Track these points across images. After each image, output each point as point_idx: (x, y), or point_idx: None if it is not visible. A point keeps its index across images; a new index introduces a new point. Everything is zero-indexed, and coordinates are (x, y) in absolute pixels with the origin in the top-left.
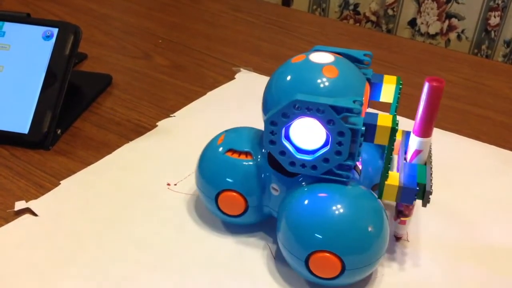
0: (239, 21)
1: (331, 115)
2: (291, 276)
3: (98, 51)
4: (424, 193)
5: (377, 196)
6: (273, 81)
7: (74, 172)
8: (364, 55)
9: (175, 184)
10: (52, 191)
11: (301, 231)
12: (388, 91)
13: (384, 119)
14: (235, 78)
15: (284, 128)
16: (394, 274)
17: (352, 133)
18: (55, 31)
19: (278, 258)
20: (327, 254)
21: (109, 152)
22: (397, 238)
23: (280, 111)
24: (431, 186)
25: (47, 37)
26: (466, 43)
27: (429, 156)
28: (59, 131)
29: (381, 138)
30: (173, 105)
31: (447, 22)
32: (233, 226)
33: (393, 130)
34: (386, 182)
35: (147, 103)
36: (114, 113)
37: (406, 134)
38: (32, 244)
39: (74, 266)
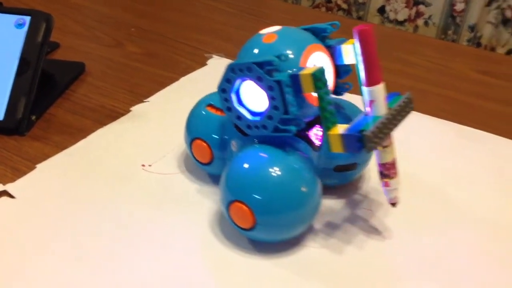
0: (211, 9)
1: (257, 71)
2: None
3: (71, 40)
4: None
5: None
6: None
7: (49, 156)
8: (331, 25)
9: (150, 165)
10: (28, 174)
11: (227, 182)
12: (347, 53)
13: (309, 70)
14: (207, 64)
15: (235, 95)
16: (359, 243)
17: (279, 85)
18: (27, 19)
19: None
20: (240, 204)
21: (84, 137)
22: (392, 204)
23: (223, 78)
24: (376, 133)
25: (20, 25)
26: (433, 28)
27: (396, 108)
28: (33, 117)
29: (307, 87)
30: (146, 91)
31: (414, 8)
32: (211, 202)
33: (314, 77)
34: (328, 132)
35: (121, 90)
36: (88, 100)
37: (389, 95)
38: (10, 224)
39: (53, 244)
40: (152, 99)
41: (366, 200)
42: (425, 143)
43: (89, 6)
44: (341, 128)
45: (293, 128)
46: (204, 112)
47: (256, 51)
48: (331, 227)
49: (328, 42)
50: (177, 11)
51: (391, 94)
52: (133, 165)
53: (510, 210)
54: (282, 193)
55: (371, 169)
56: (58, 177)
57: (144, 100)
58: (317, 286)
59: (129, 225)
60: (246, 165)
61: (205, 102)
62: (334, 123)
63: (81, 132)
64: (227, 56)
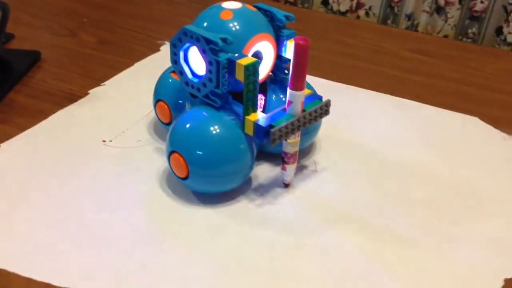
0: (161, 0)
1: (204, 45)
2: None
3: (25, 31)
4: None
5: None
6: (196, 18)
7: (12, 137)
8: (284, 16)
9: (111, 141)
10: None
11: (169, 135)
12: (290, 50)
13: (246, 60)
14: (160, 50)
15: (183, 52)
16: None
17: (217, 64)
18: None
19: None
20: (177, 155)
21: (45, 118)
22: (285, 185)
23: (177, 36)
24: (281, 132)
25: None
26: (374, 18)
27: (310, 112)
28: None
29: (239, 74)
30: (102, 75)
31: (355, 0)
32: (165, 171)
33: (246, 69)
34: (246, 117)
35: (78, 75)
36: (46, 85)
37: (310, 96)
38: None
39: (22, 213)
40: (109, 82)
41: (310, 166)
42: (364, 114)
43: None
44: (258, 115)
45: (218, 102)
46: (168, 78)
47: (210, 24)
48: (266, 189)
49: (280, 32)
50: (128, 3)
51: (313, 96)
52: (94, 141)
53: (437, 164)
54: (213, 147)
55: (322, 140)
56: (22, 155)
57: (101, 84)
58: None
59: (92, 192)
60: (185, 121)
61: (170, 69)
62: (253, 111)
63: (41, 114)
64: None
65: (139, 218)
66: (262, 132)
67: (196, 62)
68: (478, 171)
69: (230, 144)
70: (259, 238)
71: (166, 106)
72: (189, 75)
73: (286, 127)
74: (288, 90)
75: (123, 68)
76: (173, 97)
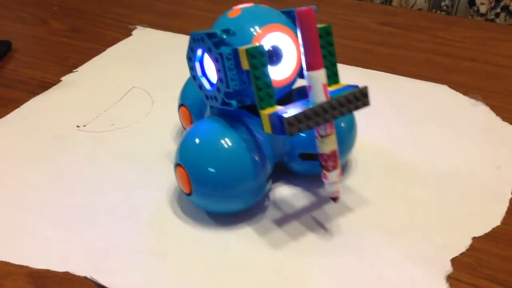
0: None
1: (207, 42)
2: None
3: None
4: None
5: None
6: None
7: None
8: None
9: (84, 126)
10: None
11: (178, 146)
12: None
13: (248, 46)
14: (132, 35)
15: (198, 64)
16: None
17: (221, 58)
18: None
19: None
20: (181, 169)
21: (18, 107)
22: (332, 199)
23: (188, 46)
24: (299, 118)
25: None
26: None
27: (337, 98)
28: None
29: (244, 63)
30: (74, 62)
31: None
32: (140, 152)
33: (248, 53)
34: (261, 111)
35: (50, 63)
36: (18, 74)
37: (345, 87)
38: None
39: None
40: (81, 69)
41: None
42: None
43: None
44: (276, 109)
45: (234, 103)
46: (192, 82)
47: (217, 24)
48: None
49: None
50: None
51: (348, 86)
52: (68, 126)
53: (405, 132)
54: (218, 165)
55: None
56: None
57: (74, 70)
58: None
59: (67, 175)
60: (192, 134)
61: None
62: (269, 104)
63: (13, 102)
64: (151, 26)
65: (116, 199)
66: (278, 123)
67: (211, 70)
68: (447, 135)
69: (238, 160)
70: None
71: (187, 112)
72: (208, 87)
73: (305, 114)
74: (305, 72)
75: (95, 54)
76: (196, 103)
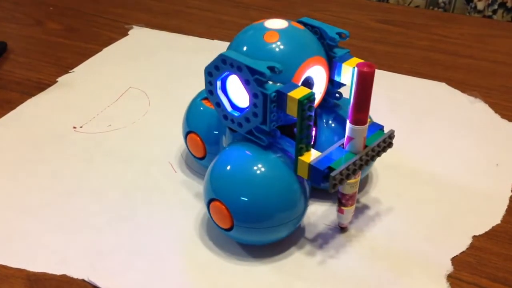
0: None
1: (247, 75)
2: None
3: None
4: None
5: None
6: (232, 40)
7: None
8: (337, 33)
9: (81, 127)
10: None
11: (208, 179)
12: (346, 73)
13: (299, 92)
14: (128, 35)
15: (220, 81)
16: None
17: (264, 97)
18: None
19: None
20: (218, 203)
21: (13, 108)
22: (341, 228)
23: (212, 63)
24: (342, 175)
25: None
26: None
27: (373, 147)
28: None
29: (291, 109)
30: (71, 62)
31: None
32: (136, 155)
33: (300, 103)
34: (299, 158)
35: (46, 63)
36: (13, 75)
37: (371, 126)
38: None
39: None
40: (77, 69)
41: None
42: None
43: None
44: (313, 155)
45: (265, 140)
46: (199, 106)
47: (252, 48)
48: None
49: (332, 52)
50: None
51: (373, 127)
52: (64, 128)
53: (403, 130)
54: (261, 196)
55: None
56: None
57: (70, 71)
58: None
59: (64, 177)
60: (226, 162)
61: (202, 95)
62: (307, 150)
63: (9, 104)
64: (147, 26)
65: (113, 200)
66: (319, 176)
67: (236, 92)
68: (445, 133)
69: (282, 189)
70: None
71: (198, 138)
72: (229, 108)
73: (347, 168)
74: (348, 124)
75: (91, 54)
76: (207, 128)
